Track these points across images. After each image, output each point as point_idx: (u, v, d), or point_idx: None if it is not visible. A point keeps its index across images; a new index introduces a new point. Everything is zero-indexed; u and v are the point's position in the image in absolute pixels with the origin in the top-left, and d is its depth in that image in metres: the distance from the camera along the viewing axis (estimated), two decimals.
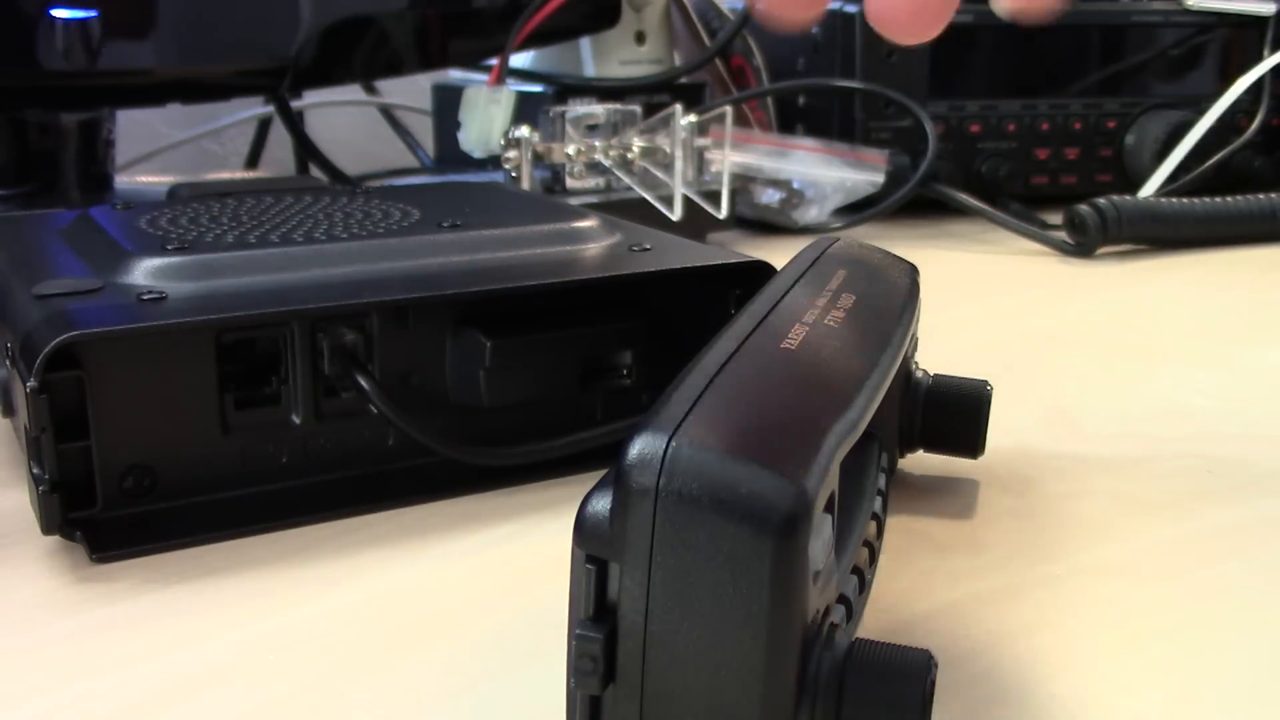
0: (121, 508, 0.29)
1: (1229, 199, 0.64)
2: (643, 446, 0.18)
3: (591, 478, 0.32)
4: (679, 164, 0.57)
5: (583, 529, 0.18)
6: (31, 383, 0.26)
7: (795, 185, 0.65)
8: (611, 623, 0.18)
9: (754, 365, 0.21)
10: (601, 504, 0.18)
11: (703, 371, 0.20)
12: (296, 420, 0.31)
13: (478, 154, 0.60)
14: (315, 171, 0.73)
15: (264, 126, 0.85)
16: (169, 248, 0.32)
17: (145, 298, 0.29)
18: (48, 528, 0.27)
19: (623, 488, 0.18)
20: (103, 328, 0.27)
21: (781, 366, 0.21)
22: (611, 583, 0.18)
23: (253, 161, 0.86)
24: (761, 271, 0.34)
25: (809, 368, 0.22)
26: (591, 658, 0.18)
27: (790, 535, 0.17)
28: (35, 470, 0.27)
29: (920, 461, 0.33)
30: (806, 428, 0.19)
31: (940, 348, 0.35)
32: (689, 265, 0.34)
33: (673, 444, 0.17)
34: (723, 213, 0.58)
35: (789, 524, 0.17)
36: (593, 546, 0.18)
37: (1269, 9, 0.75)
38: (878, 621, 0.25)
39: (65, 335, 0.26)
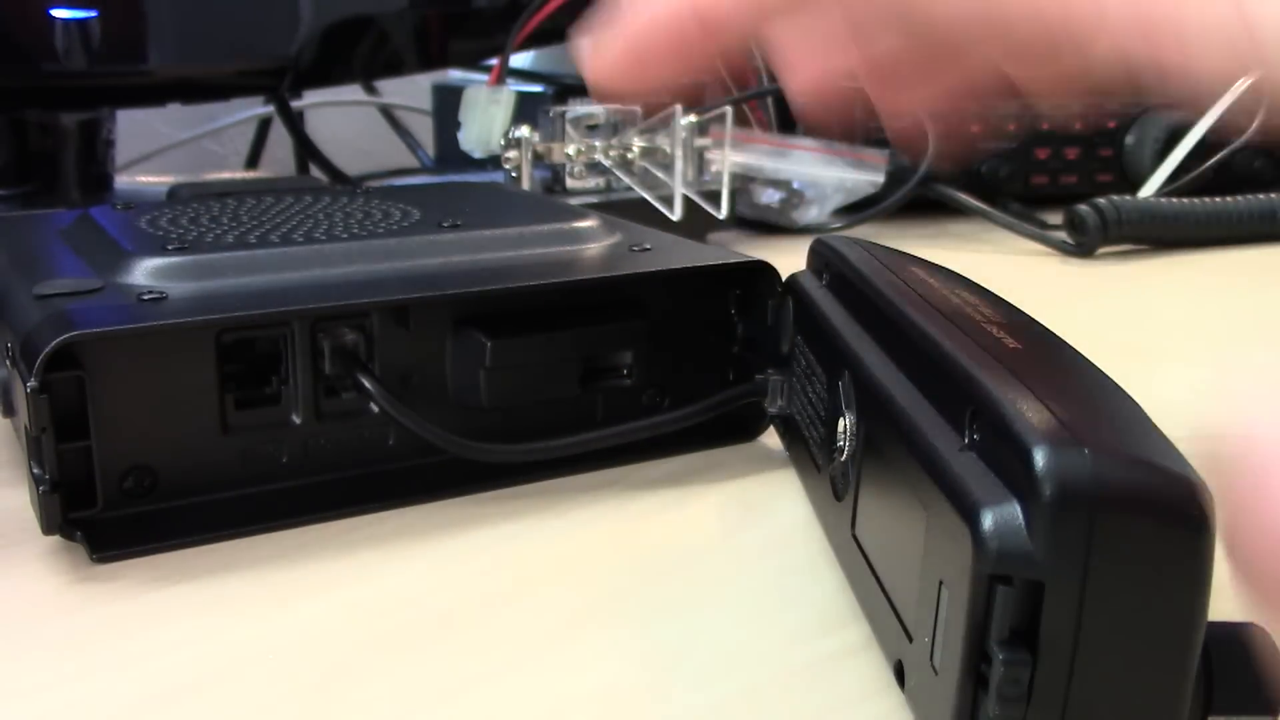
0: (122, 508, 0.29)
1: (1229, 199, 0.64)
2: (1059, 458, 0.17)
3: (592, 477, 0.33)
4: (679, 164, 0.57)
5: (993, 550, 0.17)
6: (32, 383, 0.26)
7: (795, 185, 0.65)
8: (1033, 643, 0.17)
9: (1030, 364, 0.21)
10: (1006, 523, 0.17)
11: (992, 371, 0.20)
12: (296, 420, 0.31)
13: (478, 154, 0.60)
14: (315, 171, 0.73)
15: (264, 126, 0.85)
16: (169, 248, 0.32)
17: (145, 298, 0.29)
18: (48, 528, 0.27)
19: (1048, 502, 0.17)
20: (103, 328, 0.27)
21: (1047, 365, 0.22)
22: (1024, 603, 0.17)
23: (253, 161, 0.87)
24: (762, 272, 0.34)
25: (1061, 365, 0.22)
26: (1019, 681, 0.17)
27: (1209, 531, 0.17)
28: (35, 470, 0.27)
29: None
30: (1142, 424, 0.19)
31: None
32: (689, 265, 0.34)
33: (1086, 452, 0.17)
34: (723, 213, 0.58)
35: (1208, 520, 0.17)
36: (1008, 567, 0.17)
37: None
38: None
39: (65, 335, 0.26)
